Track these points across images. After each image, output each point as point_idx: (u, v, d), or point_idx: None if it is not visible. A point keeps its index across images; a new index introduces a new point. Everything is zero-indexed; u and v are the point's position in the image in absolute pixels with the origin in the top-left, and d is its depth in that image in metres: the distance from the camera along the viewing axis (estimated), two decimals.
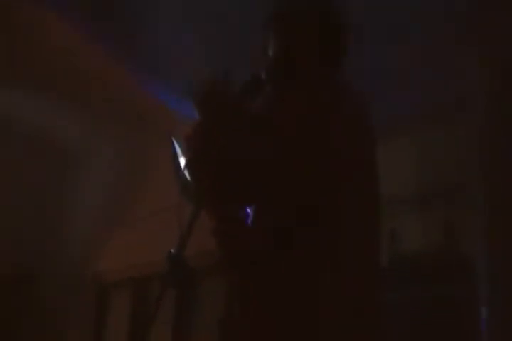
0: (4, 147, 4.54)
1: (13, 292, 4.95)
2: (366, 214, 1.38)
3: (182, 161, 1.54)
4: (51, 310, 5.05)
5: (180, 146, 1.58)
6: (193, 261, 1.46)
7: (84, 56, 4.10)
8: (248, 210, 1.42)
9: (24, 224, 4.83)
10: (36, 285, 5.04)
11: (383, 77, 3.53)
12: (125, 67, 4.15)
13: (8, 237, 4.77)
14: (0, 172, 4.63)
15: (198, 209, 1.38)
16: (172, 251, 1.38)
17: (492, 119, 3.10)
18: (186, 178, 1.36)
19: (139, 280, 4.94)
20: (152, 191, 4.93)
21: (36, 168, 4.86)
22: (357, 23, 1.71)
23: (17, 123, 4.52)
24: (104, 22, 3.77)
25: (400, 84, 3.61)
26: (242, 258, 1.36)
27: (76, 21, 3.82)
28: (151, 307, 1.40)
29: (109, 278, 5.27)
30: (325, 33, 1.54)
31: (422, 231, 3.69)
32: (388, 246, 3.69)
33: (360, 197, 1.36)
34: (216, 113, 1.36)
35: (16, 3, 3.75)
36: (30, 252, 4.90)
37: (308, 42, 1.53)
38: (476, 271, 2.99)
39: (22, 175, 4.77)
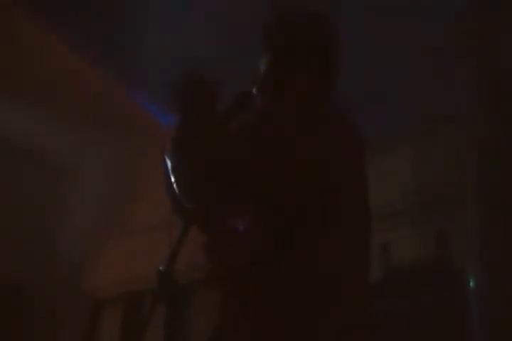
0: None
1: (1, 303, 4.91)
2: (362, 217, 1.39)
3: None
4: (40, 321, 5.02)
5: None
6: (184, 276, 1.45)
7: (73, 68, 4.09)
8: (238, 223, 1.41)
9: (13, 236, 4.80)
10: (25, 296, 5.01)
11: (378, 88, 3.55)
12: (115, 78, 4.15)
13: None
14: None
15: (187, 226, 1.38)
16: (161, 266, 1.37)
17: (484, 130, 3.12)
18: (176, 194, 1.36)
19: (131, 294, 4.92)
20: (143, 205, 4.92)
21: (26, 180, 4.84)
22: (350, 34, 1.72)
23: (7, 135, 4.51)
24: (93, 33, 3.76)
25: (393, 95, 3.63)
26: (233, 271, 1.36)
27: (66, 32, 3.81)
28: (142, 323, 1.38)
29: (100, 291, 5.24)
30: (315, 46, 1.55)
31: (414, 242, 3.70)
32: (381, 257, 3.69)
33: (355, 201, 1.37)
34: (192, 110, 1.37)
35: (16, 16, 3.75)
36: (19, 263, 4.87)
37: (298, 56, 1.54)
38: (468, 282, 2.99)
39: (11, 187, 4.75)
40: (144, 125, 4.50)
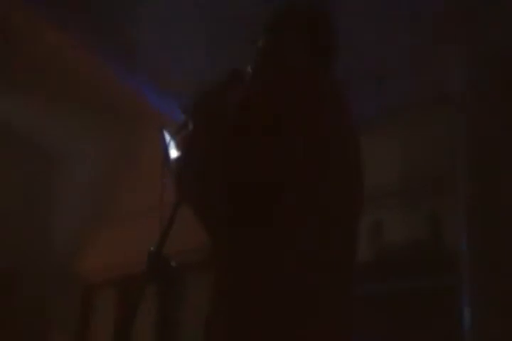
0: None
1: None
2: (351, 202, 1.38)
3: (172, 154, 1.55)
4: (34, 309, 5.02)
5: (170, 139, 1.57)
6: (176, 259, 1.45)
7: (72, 57, 4.07)
8: None
9: (7, 224, 4.79)
10: (19, 284, 5.01)
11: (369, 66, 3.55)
12: (112, 67, 4.13)
13: None
14: None
15: (178, 204, 1.38)
16: (152, 248, 1.37)
17: (475, 113, 3.13)
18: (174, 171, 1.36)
19: (125, 279, 4.92)
20: (133, 191, 4.92)
21: (18, 168, 4.83)
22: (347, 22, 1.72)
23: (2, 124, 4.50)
24: (93, 23, 3.74)
25: (384, 77, 3.63)
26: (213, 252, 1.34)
27: (64, 21, 3.79)
28: (133, 305, 1.38)
29: (93, 277, 5.24)
30: (315, 34, 1.55)
31: (406, 224, 3.71)
32: (373, 239, 3.70)
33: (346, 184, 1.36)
34: (205, 123, 1.37)
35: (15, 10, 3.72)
36: (10, 251, 4.86)
37: (298, 41, 1.54)
38: (459, 262, 3.01)
39: (5, 176, 4.74)
40: (135, 112, 4.48)
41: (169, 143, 1.52)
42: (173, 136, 1.53)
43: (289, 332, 1.22)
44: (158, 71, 3.99)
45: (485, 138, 3.05)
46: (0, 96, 4.30)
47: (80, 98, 4.39)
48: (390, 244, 3.70)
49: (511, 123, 3.00)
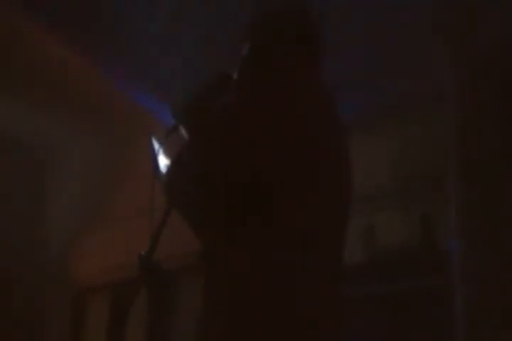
0: None
1: None
2: (340, 202, 1.39)
3: (161, 161, 1.54)
4: (28, 311, 5.01)
5: (159, 146, 1.57)
6: (168, 263, 1.45)
7: (58, 56, 4.05)
8: None
9: (0, 225, 4.78)
10: (13, 285, 4.99)
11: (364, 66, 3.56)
12: (103, 67, 4.12)
13: None
14: None
15: (169, 209, 1.37)
16: (143, 253, 1.37)
17: (468, 114, 3.13)
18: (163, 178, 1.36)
19: (117, 282, 4.91)
20: (125, 194, 4.92)
21: (12, 167, 4.82)
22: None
23: None
24: (84, 23, 3.73)
25: (380, 74, 3.64)
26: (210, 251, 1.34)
27: (55, 22, 3.77)
28: (126, 308, 1.38)
29: (86, 280, 5.23)
30: (302, 33, 1.55)
31: (399, 226, 3.71)
32: (367, 240, 3.71)
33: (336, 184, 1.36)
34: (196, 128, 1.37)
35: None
36: (4, 253, 4.85)
37: (285, 41, 1.53)
38: (452, 264, 3.02)
39: None
40: (127, 114, 4.48)
41: (158, 151, 1.52)
42: (161, 143, 1.53)
43: (289, 331, 1.22)
44: (147, 72, 3.99)
45: (477, 140, 3.06)
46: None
47: (71, 100, 4.38)
48: (383, 245, 3.71)
49: (509, 124, 3.01)
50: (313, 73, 1.53)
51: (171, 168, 1.37)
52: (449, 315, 3.01)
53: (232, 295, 1.27)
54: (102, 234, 5.02)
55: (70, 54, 4.02)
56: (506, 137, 3.00)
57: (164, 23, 3.58)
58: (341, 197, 1.41)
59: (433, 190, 3.59)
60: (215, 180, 1.28)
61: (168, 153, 1.49)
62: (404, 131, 3.86)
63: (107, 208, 5.16)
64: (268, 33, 1.55)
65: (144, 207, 1.55)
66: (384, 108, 3.87)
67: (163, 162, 1.49)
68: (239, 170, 1.27)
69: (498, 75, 3.08)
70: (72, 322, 5.26)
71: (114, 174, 5.08)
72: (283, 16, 1.58)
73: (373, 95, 3.81)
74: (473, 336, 2.80)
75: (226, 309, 1.27)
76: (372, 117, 3.87)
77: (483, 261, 2.83)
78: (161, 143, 1.53)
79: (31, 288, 5.03)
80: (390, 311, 3.60)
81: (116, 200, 5.08)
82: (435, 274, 3.44)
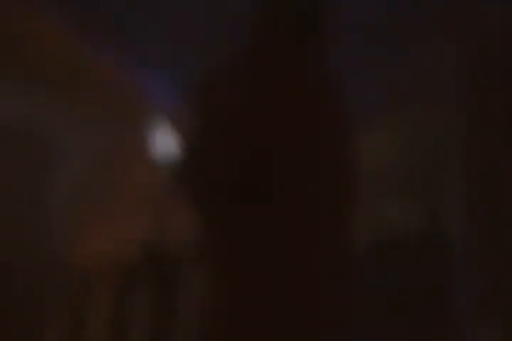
0: None
1: None
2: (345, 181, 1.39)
3: (167, 147, 1.54)
4: (29, 299, 5.05)
5: (166, 135, 1.57)
6: (173, 249, 1.45)
7: (72, 47, 4.05)
8: None
9: (1, 214, 4.82)
10: (13, 273, 5.03)
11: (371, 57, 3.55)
12: (115, 58, 4.12)
13: None
14: None
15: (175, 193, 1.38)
16: (148, 238, 1.37)
17: (475, 112, 3.13)
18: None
19: (121, 269, 4.95)
20: (129, 181, 4.94)
21: (13, 158, 4.83)
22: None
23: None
24: (92, 11, 3.72)
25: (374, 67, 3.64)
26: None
27: (62, 11, 3.76)
28: (127, 295, 1.39)
29: (89, 266, 5.27)
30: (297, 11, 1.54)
31: (405, 216, 3.72)
32: (372, 232, 3.72)
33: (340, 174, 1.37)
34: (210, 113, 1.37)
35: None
36: (7, 241, 4.89)
37: (279, 21, 1.53)
38: (457, 254, 3.02)
39: (2, 168, 4.74)
40: (139, 105, 4.49)
41: (161, 135, 1.52)
42: (166, 127, 1.53)
43: (289, 332, 1.23)
44: (159, 61, 3.99)
45: (485, 137, 3.06)
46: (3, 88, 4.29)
47: (80, 89, 4.39)
48: (387, 235, 3.73)
49: (511, 122, 3.01)
50: (316, 62, 1.53)
51: (176, 146, 1.38)
52: (450, 308, 3.02)
53: (232, 295, 1.27)
54: (107, 221, 5.06)
55: (74, 41, 4.02)
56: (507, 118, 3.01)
57: (179, 11, 3.58)
58: (343, 181, 1.41)
59: (440, 186, 3.60)
60: (216, 156, 1.29)
61: (172, 135, 1.49)
62: (410, 121, 3.88)
63: (112, 196, 5.20)
64: (266, 29, 1.54)
65: (150, 194, 1.54)
66: (391, 107, 3.88)
67: (167, 144, 1.49)
68: (238, 148, 1.28)
69: (499, 64, 3.08)
70: (72, 311, 5.30)
71: (115, 162, 5.11)
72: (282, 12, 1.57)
73: (373, 86, 3.82)
74: (473, 336, 2.82)
75: (226, 309, 1.28)
76: (377, 109, 3.89)
77: (492, 252, 2.84)
78: (165, 128, 1.53)
79: (31, 276, 5.07)
80: (393, 301, 3.62)
81: (118, 188, 5.11)
82: (439, 266, 3.45)
